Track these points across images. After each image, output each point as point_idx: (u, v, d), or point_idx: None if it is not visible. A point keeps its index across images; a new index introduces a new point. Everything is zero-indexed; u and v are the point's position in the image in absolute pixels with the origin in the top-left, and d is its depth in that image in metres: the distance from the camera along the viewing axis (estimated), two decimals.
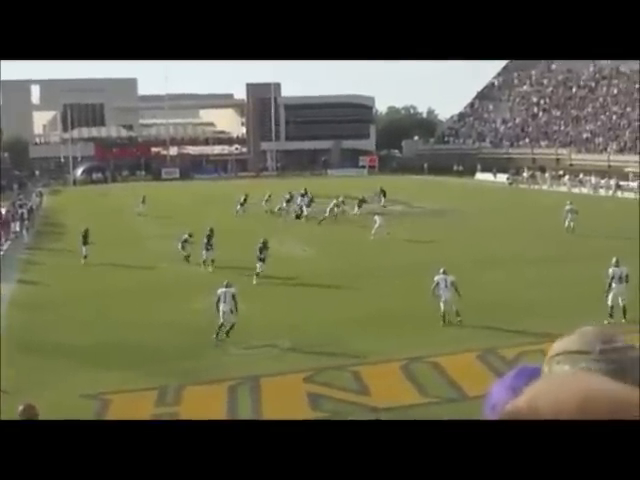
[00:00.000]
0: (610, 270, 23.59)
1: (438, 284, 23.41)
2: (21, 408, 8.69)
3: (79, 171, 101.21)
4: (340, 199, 52.93)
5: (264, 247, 30.77)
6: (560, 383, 1.15)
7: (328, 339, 21.45)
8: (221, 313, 22.43)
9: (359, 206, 53.16)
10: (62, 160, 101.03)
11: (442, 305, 23.21)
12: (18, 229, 46.29)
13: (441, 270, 23.80)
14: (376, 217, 43.71)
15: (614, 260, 23.91)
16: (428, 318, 23.63)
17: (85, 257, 35.03)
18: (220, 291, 22.81)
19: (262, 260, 30.38)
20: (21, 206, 54.78)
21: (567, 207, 43.81)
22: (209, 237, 34.17)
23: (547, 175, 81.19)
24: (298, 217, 52.13)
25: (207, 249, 33.78)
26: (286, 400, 18.12)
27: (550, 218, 45.97)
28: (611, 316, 22.81)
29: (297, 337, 22.19)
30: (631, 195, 63.05)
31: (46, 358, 20.87)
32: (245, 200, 56.25)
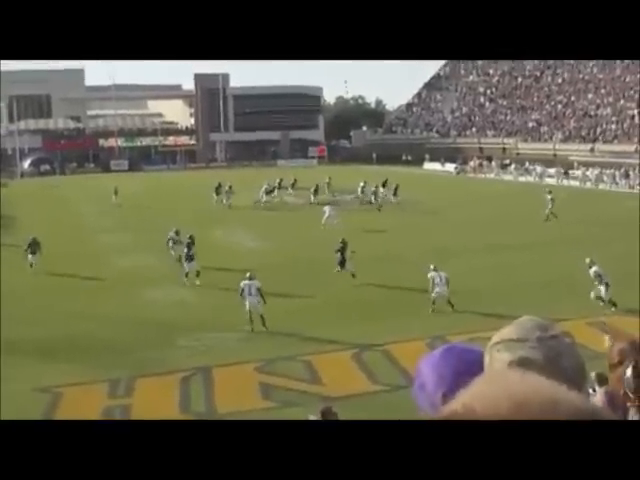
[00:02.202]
0: (592, 271, 23.58)
1: (433, 280, 23.56)
2: None
3: (26, 163, 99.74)
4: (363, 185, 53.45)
5: (344, 248, 28.66)
6: (495, 384, 1.13)
7: (280, 329, 21.51)
8: (247, 305, 22.20)
9: (395, 194, 52.26)
10: (9, 152, 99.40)
11: (433, 296, 23.56)
12: None
13: (432, 267, 23.97)
14: (325, 208, 43.70)
15: (588, 260, 24.06)
16: (378, 306, 23.88)
17: (31, 265, 31.46)
18: (243, 283, 22.52)
19: (342, 264, 28.49)
20: None
21: (548, 196, 43.45)
22: (189, 245, 29.21)
23: (494, 164, 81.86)
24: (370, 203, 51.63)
25: (188, 259, 28.65)
26: (238, 390, 18.20)
27: (502, 206, 46.65)
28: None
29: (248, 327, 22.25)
30: (576, 183, 63.93)
31: None
32: (230, 188, 53.89)
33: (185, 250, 28.98)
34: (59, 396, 17.96)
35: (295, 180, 60.19)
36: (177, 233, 32.83)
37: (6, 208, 54.81)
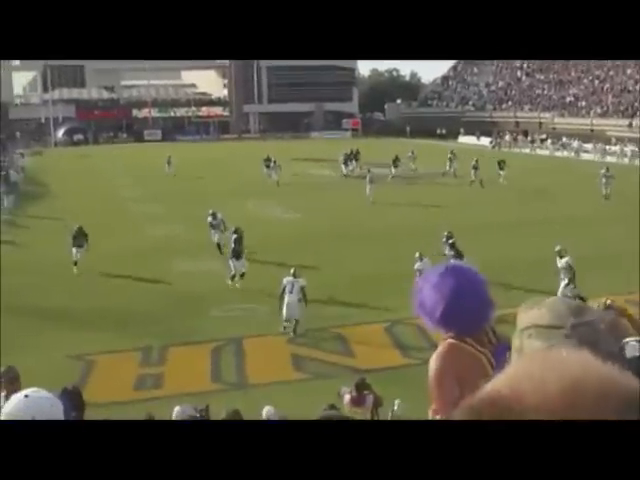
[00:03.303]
0: (563, 262, 21.94)
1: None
2: (2, 369, 8.72)
3: (60, 132, 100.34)
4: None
5: None
6: (543, 363, 1.04)
7: (312, 300, 21.41)
8: (285, 305, 20.01)
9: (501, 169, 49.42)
10: (43, 121, 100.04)
11: None
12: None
13: (417, 254, 22.60)
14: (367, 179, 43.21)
15: (558, 248, 22.42)
16: (411, 280, 23.74)
17: (75, 263, 26.83)
18: (286, 280, 20.40)
19: None
20: (3, 168, 54.32)
21: (602, 172, 42.52)
22: (237, 240, 24.91)
23: (529, 139, 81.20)
24: None
25: (235, 256, 24.47)
26: (270, 361, 18.24)
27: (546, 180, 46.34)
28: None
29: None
30: (613, 159, 63.07)
31: (29, 320, 20.85)
32: (275, 162, 51.83)
33: (232, 245, 24.75)
34: (92, 364, 18.10)
35: (358, 151, 58.66)
36: (214, 216, 29.81)
37: (40, 176, 55.27)
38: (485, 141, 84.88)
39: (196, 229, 32.29)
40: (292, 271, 20.58)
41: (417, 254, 22.51)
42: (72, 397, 9.21)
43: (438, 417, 3.34)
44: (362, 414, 12.74)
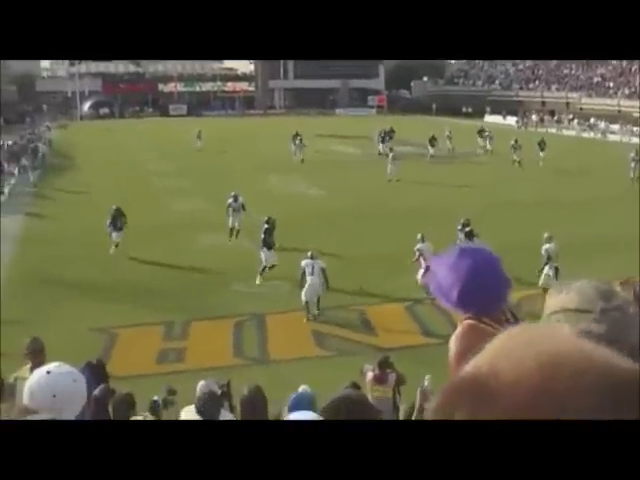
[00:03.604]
0: (545, 248, 21.24)
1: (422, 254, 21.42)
2: (28, 341, 8.80)
3: (86, 106, 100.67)
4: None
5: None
6: (522, 339, 1.03)
7: (334, 278, 21.37)
8: (307, 286, 19.65)
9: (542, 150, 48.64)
10: (69, 95, 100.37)
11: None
12: (27, 163, 45.65)
13: (419, 236, 22.08)
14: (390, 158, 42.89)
15: (546, 235, 21.63)
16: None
17: (117, 246, 25.57)
18: (305, 262, 20.01)
19: None
20: (31, 140, 54.60)
21: (631, 155, 42.18)
22: (268, 231, 23.33)
23: (556, 119, 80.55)
24: None
25: (267, 246, 22.99)
26: (292, 338, 18.31)
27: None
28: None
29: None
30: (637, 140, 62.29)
31: (54, 292, 21.04)
32: (301, 141, 50.65)
33: (262, 235, 23.09)
34: (115, 337, 18.24)
35: (392, 129, 57.35)
36: (235, 199, 27.94)
37: (67, 150, 55.50)
38: (511, 120, 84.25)
39: (221, 204, 32.33)
40: (310, 254, 20.25)
41: (419, 235, 22.03)
42: (95, 370, 9.31)
43: None
44: (384, 392, 12.81)
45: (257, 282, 22.25)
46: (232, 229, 27.50)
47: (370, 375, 12.91)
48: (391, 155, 43.00)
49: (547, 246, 21.12)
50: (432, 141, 51.93)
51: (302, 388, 12.15)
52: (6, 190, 38.75)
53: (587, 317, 1.76)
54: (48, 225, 30.14)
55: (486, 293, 3.40)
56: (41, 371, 3.23)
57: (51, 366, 3.22)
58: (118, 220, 25.93)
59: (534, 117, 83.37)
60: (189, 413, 7.42)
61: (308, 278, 19.69)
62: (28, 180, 41.87)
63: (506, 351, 1.01)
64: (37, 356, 8.41)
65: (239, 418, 7.53)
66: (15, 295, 20.02)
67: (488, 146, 53.27)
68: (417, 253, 21.51)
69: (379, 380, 12.85)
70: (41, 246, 25.76)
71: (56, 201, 35.79)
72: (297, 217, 30.14)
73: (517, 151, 46.91)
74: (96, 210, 31.34)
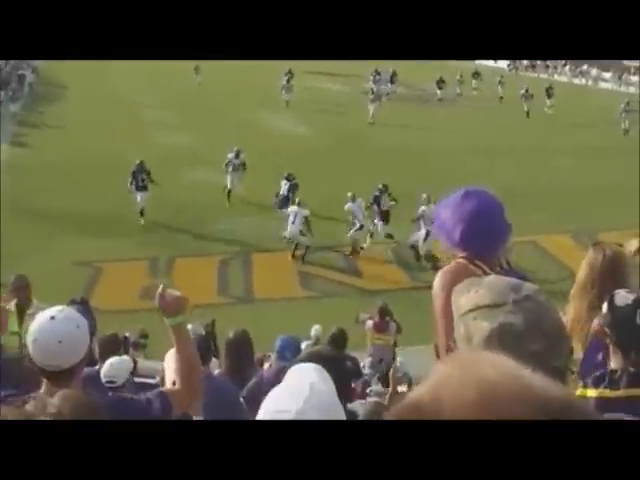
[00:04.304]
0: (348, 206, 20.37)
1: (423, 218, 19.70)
2: (12, 278, 8.73)
3: None
4: None
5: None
6: (462, 367, 1.06)
7: (319, 219, 21.23)
8: (287, 233, 19.60)
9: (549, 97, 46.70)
10: None
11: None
12: (12, 91, 44.89)
13: (424, 196, 19.97)
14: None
15: (350, 194, 20.56)
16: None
17: (142, 213, 22.06)
18: (290, 209, 19.95)
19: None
20: (17, 67, 53.67)
21: (622, 105, 41.56)
22: (307, 221, 20.10)
23: (547, 64, 79.83)
24: None
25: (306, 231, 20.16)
26: (277, 278, 18.32)
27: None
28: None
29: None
30: (633, 90, 61.61)
31: (37, 225, 20.83)
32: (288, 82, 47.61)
33: (284, 193, 21.97)
34: (99, 271, 18.17)
35: (395, 72, 52.58)
36: (237, 155, 24.87)
37: (54, 77, 54.61)
38: (503, 64, 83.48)
39: (207, 139, 32.06)
40: (297, 200, 20.18)
41: (349, 194, 20.62)
42: (80, 309, 9.23)
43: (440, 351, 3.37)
44: (386, 340, 12.80)
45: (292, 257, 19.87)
46: (229, 192, 24.28)
47: (370, 323, 12.81)
48: (371, 96, 41.83)
49: (350, 205, 20.29)
50: (439, 83, 50.06)
51: (314, 329, 12.11)
52: None
53: (502, 310, 1.84)
54: (32, 155, 29.74)
55: (487, 235, 3.47)
56: (44, 316, 3.17)
57: (53, 311, 3.17)
58: (140, 177, 22.32)
59: (525, 61, 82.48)
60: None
61: (289, 226, 19.51)
62: (10, 109, 41.21)
63: (448, 379, 1.04)
64: (22, 292, 8.42)
65: (223, 361, 7.48)
66: None
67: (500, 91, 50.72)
68: (346, 214, 20.52)
69: (380, 328, 12.77)
70: (24, 176, 25.47)
71: (40, 130, 35.31)
72: (285, 155, 29.84)
73: (528, 100, 44.72)
74: (83, 141, 31.07)
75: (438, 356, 3.36)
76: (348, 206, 20.38)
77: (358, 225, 20.13)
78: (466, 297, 1.92)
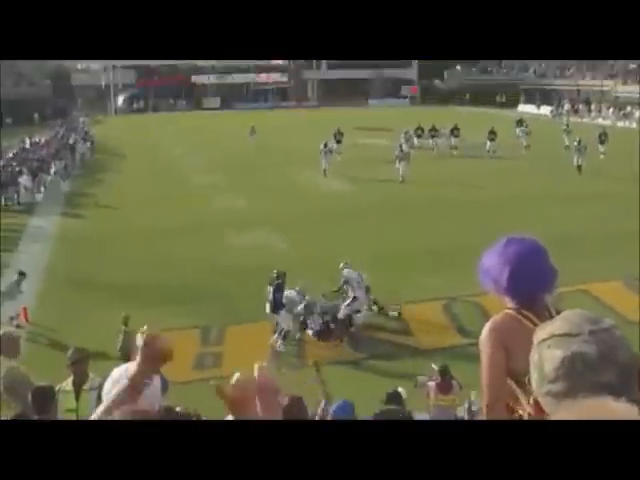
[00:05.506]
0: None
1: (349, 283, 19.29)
2: (70, 351, 8.80)
3: (120, 99, 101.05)
4: None
5: None
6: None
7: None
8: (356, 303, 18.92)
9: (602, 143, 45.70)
10: (103, 87, 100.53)
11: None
12: (65, 162, 45.65)
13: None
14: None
15: (342, 264, 19.76)
16: (466, 257, 23.37)
17: None
18: (347, 272, 19.15)
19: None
20: (67, 137, 54.75)
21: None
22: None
23: (592, 107, 79.58)
24: None
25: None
26: (328, 343, 18.21)
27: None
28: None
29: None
30: None
31: (88, 295, 20.99)
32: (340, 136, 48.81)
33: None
34: None
35: (456, 127, 51.80)
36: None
37: (103, 146, 55.51)
38: (546, 110, 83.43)
39: (256, 199, 32.27)
40: (298, 288, 19.31)
41: (342, 264, 19.73)
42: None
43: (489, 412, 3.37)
44: (452, 401, 12.42)
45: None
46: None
47: (432, 385, 12.50)
48: (399, 154, 40.71)
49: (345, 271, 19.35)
50: (491, 135, 48.92)
51: (396, 389, 11.19)
52: (42, 189, 38.95)
53: (576, 340, 1.84)
54: (83, 226, 30.17)
55: (533, 279, 3.50)
56: (120, 370, 3.22)
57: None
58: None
59: (566, 106, 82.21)
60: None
61: (357, 292, 18.86)
62: (64, 181, 41.89)
63: None
64: (79, 367, 8.43)
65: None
66: (49, 297, 20.10)
67: (524, 142, 50.25)
68: (341, 280, 19.32)
69: (443, 389, 12.43)
70: (76, 247, 25.82)
71: (94, 201, 35.79)
72: (330, 212, 29.97)
73: (581, 154, 41.30)
74: (131, 211, 31.45)
75: (485, 409, 3.37)
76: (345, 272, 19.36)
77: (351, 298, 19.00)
78: (543, 330, 1.93)
